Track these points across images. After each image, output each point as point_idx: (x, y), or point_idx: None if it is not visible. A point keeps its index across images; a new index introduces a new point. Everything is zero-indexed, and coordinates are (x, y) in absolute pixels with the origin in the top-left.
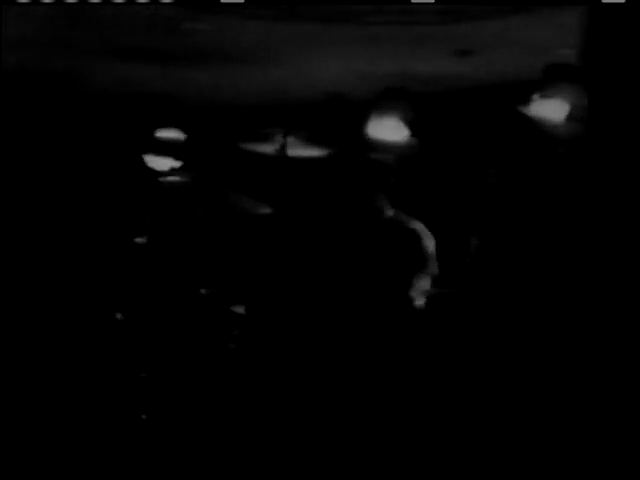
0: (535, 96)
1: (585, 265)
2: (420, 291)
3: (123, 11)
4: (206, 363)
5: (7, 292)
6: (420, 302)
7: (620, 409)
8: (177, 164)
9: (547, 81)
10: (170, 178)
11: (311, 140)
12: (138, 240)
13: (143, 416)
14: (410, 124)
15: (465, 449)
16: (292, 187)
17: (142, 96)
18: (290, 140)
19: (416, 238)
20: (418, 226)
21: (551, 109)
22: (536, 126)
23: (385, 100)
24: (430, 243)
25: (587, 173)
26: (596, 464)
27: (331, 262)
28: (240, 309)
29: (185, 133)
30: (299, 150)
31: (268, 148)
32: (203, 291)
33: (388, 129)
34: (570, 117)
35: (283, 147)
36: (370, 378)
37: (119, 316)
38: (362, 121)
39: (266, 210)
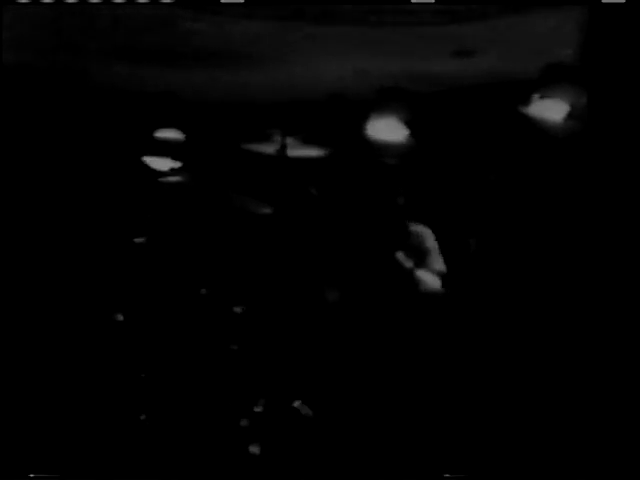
0: (535, 96)
1: (585, 265)
2: (423, 290)
3: (123, 11)
4: (206, 363)
5: (5, 292)
6: (422, 301)
7: (619, 409)
8: (177, 164)
9: (547, 81)
10: (170, 178)
11: (311, 140)
12: (137, 240)
13: (142, 416)
14: (410, 124)
15: (463, 449)
16: (292, 187)
17: (142, 96)
18: (290, 140)
19: (417, 239)
20: (419, 227)
21: (551, 109)
22: (536, 126)
23: (385, 100)
24: (431, 243)
25: (586, 173)
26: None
27: (330, 262)
28: (240, 309)
29: (185, 133)
30: (299, 150)
31: (268, 148)
32: (203, 291)
33: (388, 129)
34: (570, 117)
35: (283, 147)
36: (372, 376)
37: (119, 316)
38: (362, 121)
39: (266, 210)
